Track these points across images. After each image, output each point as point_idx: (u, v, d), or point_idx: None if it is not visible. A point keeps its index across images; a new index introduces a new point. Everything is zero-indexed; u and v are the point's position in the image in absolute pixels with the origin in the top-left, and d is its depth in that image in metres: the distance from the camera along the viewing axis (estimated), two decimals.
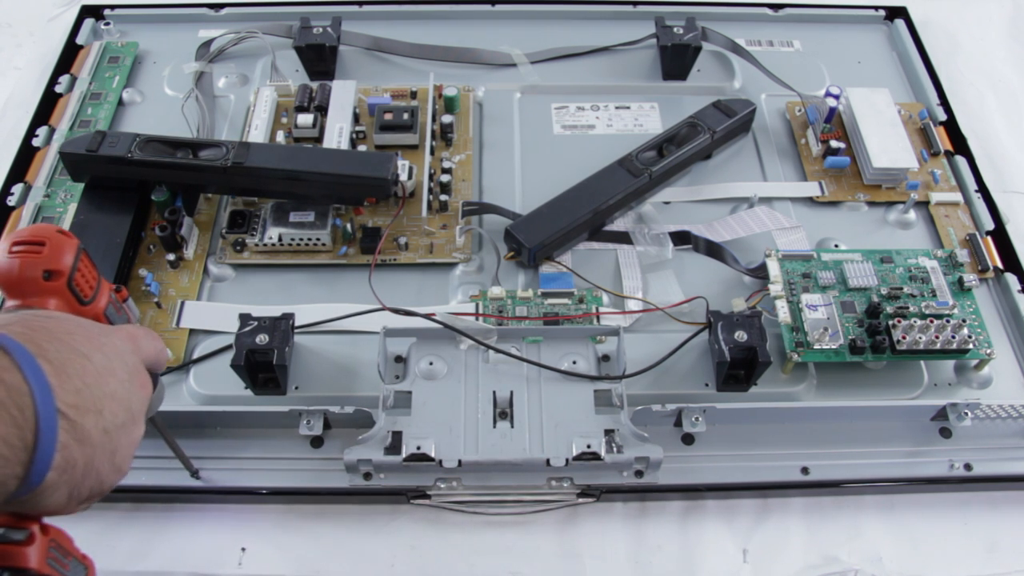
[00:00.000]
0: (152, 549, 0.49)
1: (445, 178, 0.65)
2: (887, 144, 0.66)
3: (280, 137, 0.67)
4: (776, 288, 0.56)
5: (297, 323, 0.54)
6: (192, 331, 0.57)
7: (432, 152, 0.67)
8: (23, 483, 0.29)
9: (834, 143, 0.68)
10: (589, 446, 0.48)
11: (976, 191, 0.66)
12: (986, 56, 0.84)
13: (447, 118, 0.68)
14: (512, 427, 0.50)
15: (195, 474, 0.50)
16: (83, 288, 0.38)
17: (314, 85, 0.70)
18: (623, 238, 0.63)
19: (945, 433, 0.54)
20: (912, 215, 0.65)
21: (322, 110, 0.68)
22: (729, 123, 0.66)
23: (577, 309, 0.57)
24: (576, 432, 0.49)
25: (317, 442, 0.52)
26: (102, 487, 0.33)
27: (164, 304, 0.58)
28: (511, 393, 0.51)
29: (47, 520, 0.32)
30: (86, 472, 0.31)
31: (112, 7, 0.80)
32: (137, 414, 0.35)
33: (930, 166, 0.68)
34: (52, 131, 0.69)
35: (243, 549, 0.49)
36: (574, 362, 0.53)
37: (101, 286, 0.39)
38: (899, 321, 0.53)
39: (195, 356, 0.55)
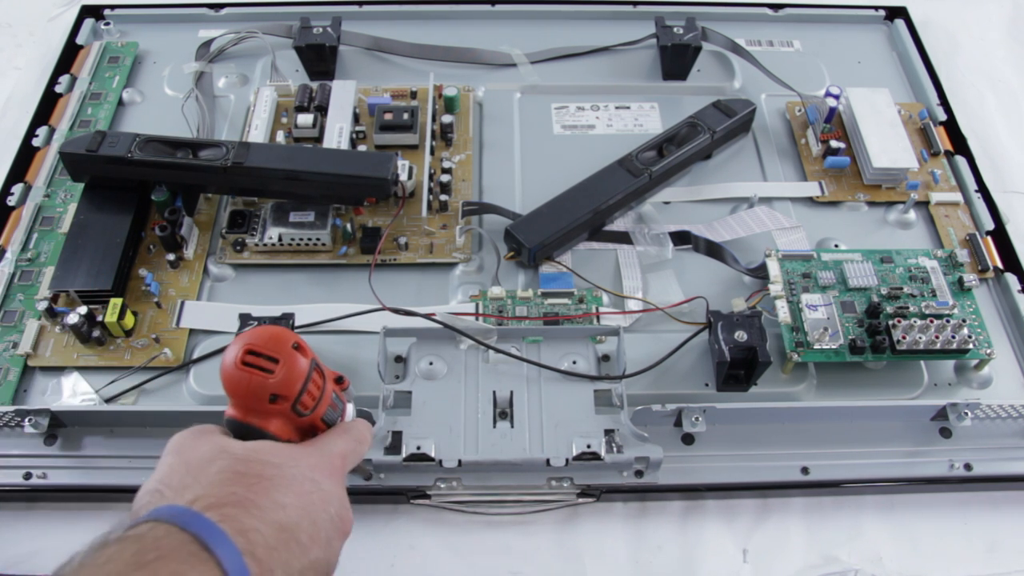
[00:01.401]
0: None
1: (445, 178, 0.65)
2: (887, 144, 0.66)
3: (280, 137, 0.67)
4: (776, 288, 0.56)
5: (297, 323, 0.54)
6: (192, 331, 0.57)
7: (432, 152, 0.67)
8: None
9: (834, 143, 0.68)
10: (589, 446, 0.48)
11: (976, 191, 0.66)
12: (986, 56, 0.84)
13: (447, 118, 0.68)
14: (512, 427, 0.50)
15: None
16: (306, 403, 0.36)
17: (314, 85, 0.70)
18: (623, 238, 0.63)
19: (945, 433, 0.54)
20: (912, 215, 0.65)
21: (322, 110, 0.68)
22: (729, 123, 0.66)
23: (577, 309, 0.57)
24: (576, 432, 0.49)
25: None
26: None
27: (164, 304, 0.58)
28: (511, 393, 0.51)
29: None
30: None
31: (112, 7, 0.80)
32: (333, 566, 0.34)
33: (930, 166, 0.68)
34: (52, 131, 0.69)
35: None
36: (574, 362, 0.53)
37: (325, 390, 0.37)
38: (899, 321, 0.53)
39: (195, 356, 0.55)
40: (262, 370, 0.34)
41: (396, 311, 0.54)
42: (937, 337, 0.52)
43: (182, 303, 0.58)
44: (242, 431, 0.35)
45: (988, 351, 0.54)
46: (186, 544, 0.28)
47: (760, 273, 0.59)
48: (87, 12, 0.79)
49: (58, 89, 0.72)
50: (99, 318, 0.54)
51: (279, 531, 0.31)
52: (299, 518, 0.32)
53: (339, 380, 0.40)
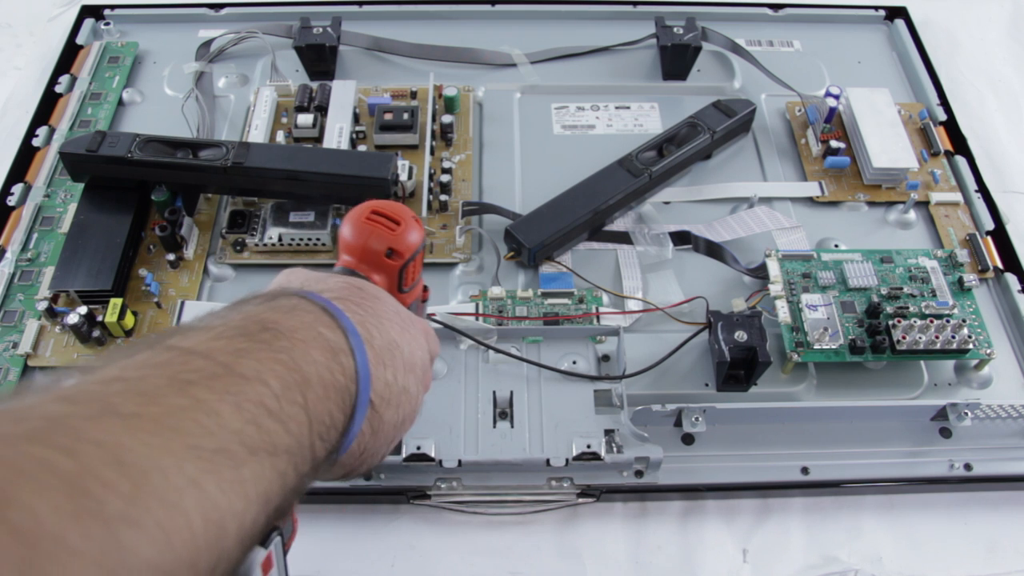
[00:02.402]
0: None
1: (445, 178, 0.65)
2: (887, 144, 0.66)
3: (280, 137, 0.67)
4: (776, 288, 0.56)
5: None
6: None
7: (432, 152, 0.67)
8: (325, 463, 0.29)
9: (834, 143, 0.68)
10: (589, 446, 0.48)
11: (976, 191, 0.66)
12: (986, 56, 0.84)
13: (447, 118, 0.68)
14: (512, 427, 0.50)
15: None
16: (408, 276, 0.38)
17: (314, 85, 0.70)
18: (623, 238, 0.63)
19: (945, 433, 0.54)
20: (912, 215, 0.65)
21: (322, 110, 0.68)
22: (729, 123, 0.66)
23: (577, 309, 0.57)
24: (576, 432, 0.49)
25: None
26: (361, 472, 0.34)
27: (164, 304, 0.58)
28: (511, 393, 0.51)
29: None
30: (363, 458, 0.32)
31: (112, 7, 0.80)
32: (415, 411, 0.35)
33: (930, 166, 0.68)
34: (52, 131, 0.69)
35: None
36: (574, 362, 0.53)
37: (418, 282, 0.40)
38: (899, 321, 0.53)
39: None
40: (385, 227, 0.37)
41: None
42: (937, 337, 0.52)
43: (182, 303, 0.58)
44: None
45: (988, 351, 0.54)
46: (315, 309, 0.30)
47: (760, 273, 0.59)
48: (87, 12, 0.79)
49: (58, 89, 0.72)
50: (99, 318, 0.54)
51: (387, 341, 0.32)
52: (400, 341, 0.33)
53: (425, 287, 0.42)
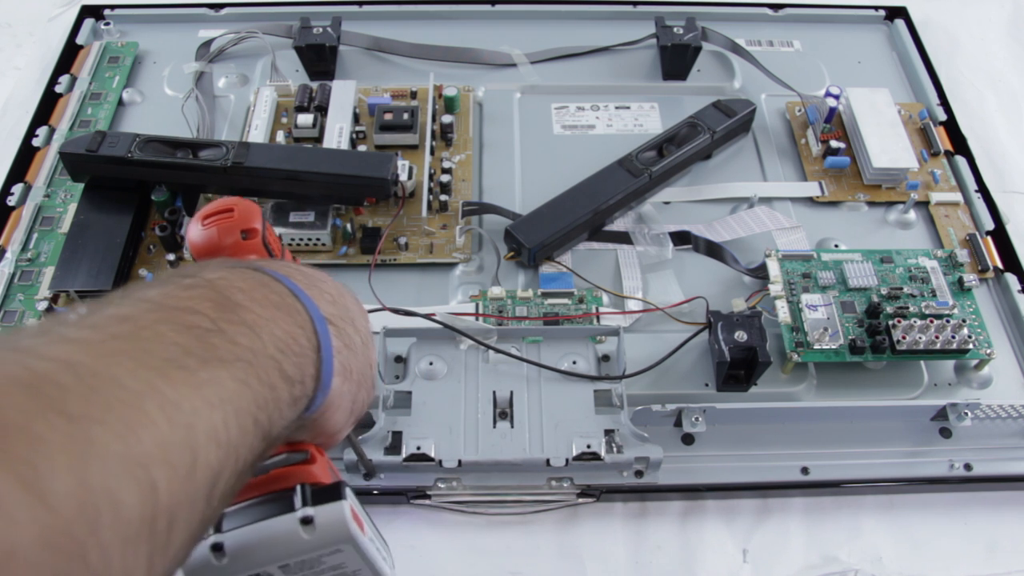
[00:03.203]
0: None
1: (445, 178, 0.65)
2: (887, 144, 0.66)
3: (280, 137, 0.67)
4: (776, 288, 0.56)
5: None
6: None
7: (432, 152, 0.67)
8: (318, 385, 0.30)
9: (834, 143, 0.68)
10: (589, 446, 0.48)
11: (976, 191, 0.66)
12: (986, 56, 0.84)
13: (447, 118, 0.68)
14: (512, 427, 0.50)
15: None
16: (274, 246, 0.39)
17: (314, 85, 0.70)
18: (623, 238, 0.63)
19: (945, 433, 0.54)
20: (912, 215, 0.65)
21: (322, 110, 0.68)
22: (729, 123, 0.66)
23: (577, 309, 0.57)
24: (576, 432, 0.49)
25: None
26: (365, 404, 0.34)
27: None
28: (511, 393, 0.51)
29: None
30: (359, 381, 0.33)
31: (112, 7, 0.80)
32: (371, 337, 0.36)
33: (930, 166, 0.68)
34: (52, 131, 0.69)
35: None
36: (574, 362, 0.53)
37: (285, 250, 0.41)
38: (899, 321, 0.53)
39: None
40: (223, 219, 0.38)
41: (396, 311, 0.54)
42: (937, 337, 0.52)
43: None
44: None
45: (988, 351, 0.54)
46: (225, 265, 0.30)
47: (760, 273, 0.59)
48: (87, 12, 0.79)
49: (58, 89, 0.72)
50: None
51: (306, 276, 0.32)
52: (317, 275, 0.33)
53: (294, 257, 0.43)
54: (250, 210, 0.39)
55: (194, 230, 0.38)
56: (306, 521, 0.30)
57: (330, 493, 0.30)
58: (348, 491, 0.31)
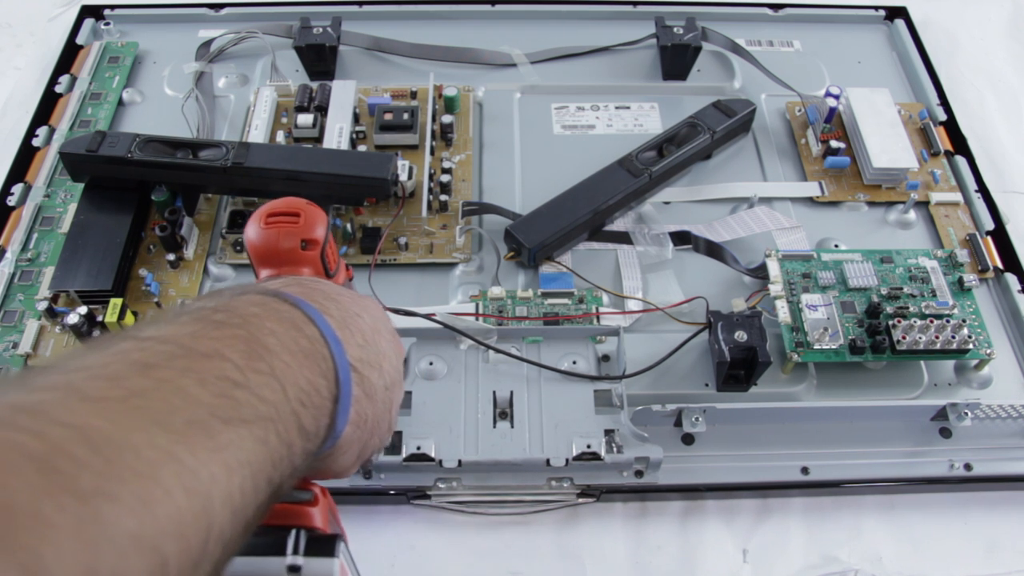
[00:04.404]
0: None
1: (445, 178, 0.65)
2: (887, 144, 0.66)
3: (280, 137, 0.67)
4: (776, 288, 0.56)
5: None
6: None
7: (432, 152, 0.67)
8: (329, 435, 0.29)
9: (834, 143, 0.68)
10: (589, 446, 0.48)
11: (976, 191, 0.66)
12: (986, 56, 0.84)
13: (447, 118, 0.68)
14: (512, 427, 0.50)
15: None
16: (330, 260, 0.38)
17: (314, 85, 0.70)
18: (623, 238, 0.63)
19: (945, 433, 0.54)
20: (912, 215, 0.65)
21: (322, 110, 0.68)
22: (729, 123, 0.66)
23: (577, 309, 0.57)
24: (576, 432, 0.49)
25: None
26: (378, 447, 0.34)
27: (164, 304, 0.58)
28: (511, 393, 0.51)
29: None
30: (372, 429, 0.32)
31: (112, 7, 0.80)
32: (400, 376, 0.35)
33: (930, 166, 0.68)
34: (52, 131, 0.69)
35: None
36: (574, 362, 0.53)
37: (341, 263, 0.40)
38: (899, 321, 0.53)
39: None
40: (287, 223, 0.36)
41: (396, 311, 0.54)
42: (937, 337, 0.52)
43: (182, 303, 0.58)
44: None
45: (988, 351, 0.54)
46: (263, 295, 0.29)
47: (760, 273, 0.59)
48: (87, 12, 0.79)
49: (58, 89, 0.72)
50: (99, 318, 0.54)
51: (343, 311, 0.32)
52: (357, 310, 0.33)
53: (348, 267, 0.42)
54: (316, 218, 0.37)
55: (254, 227, 0.36)
56: (293, 569, 0.29)
57: (324, 546, 0.29)
58: (343, 547, 0.30)
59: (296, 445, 0.26)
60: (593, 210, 0.60)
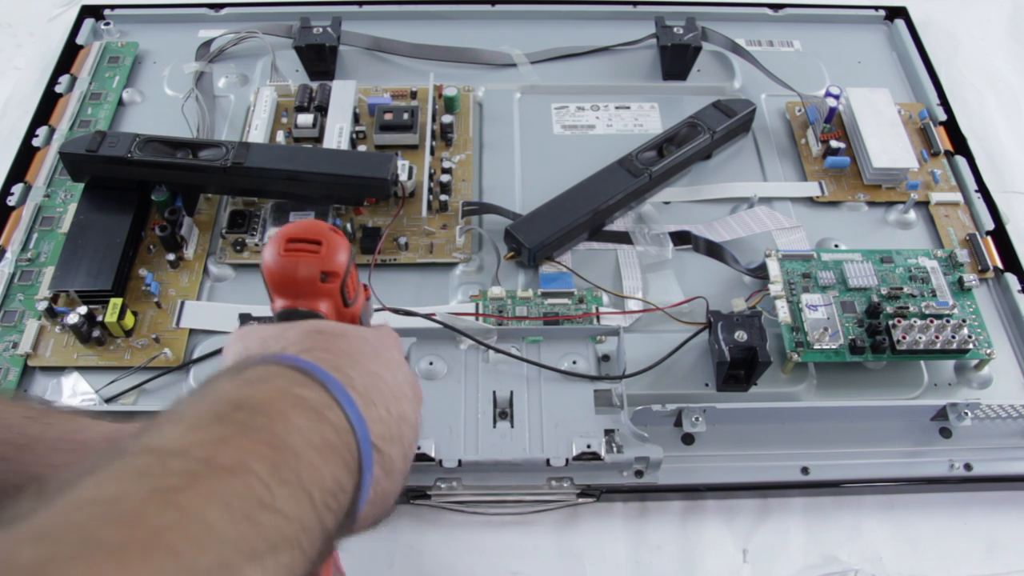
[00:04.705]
0: None
1: (445, 178, 0.65)
2: (887, 144, 0.66)
3: (280, 137, 0.67)
4: (776, 288, 0.56)
5: None
6: (192, 331, 0.57)
7: (432, 152, 0.67)
8: (347, 522, 0.28)
9: (834, 143, 0.68)
10: (589, 446, 0.48)
11: (976, 191, 0.66)
12: (986, 56, 0.84)
13: (447, 118, 0.68)
14: (512, 427, 0.50)
15: None
16: (350, 289, 0.36)
17: (314, 85, 0.70)
18: (623, 238, 0.63)
19: (945, 433, 0.54)
20: (912, 215, 0.65)
21: (322, 110, 0.68)
22: (729, 123, 0.66)
23: (577, 309, 0.57)
24: (576, 432, 0.49)
25: None
26: (390, 512, 0.32)
27: (164, 304, 0.58)
28: (511, 393, 0.51)
29: None
30: (384, 501, 0.31)
31: (112, 7, 0.80)
32: (417, 431, 0.33)
33: (930, 166, 0.68)
34: (52, 131, 0.69)
35: None
36: (574, 362, 0.53)
37: (360, 290, 0.38)
38: (899, 321, 0.53)
39: (195, 356, 0.55)
40: (308, 252, 0.34)
41: (396, 311, 0.54)
42: (937, 337, 0.52)
43: (182, 303, 0.58)
44: (293, 318, 0.34)
45: (988, 351, 0.54)
46: (287, 371, 0.28)
47: (760, 273, 0.59)
48: (87, 12, 0.79)
49: (58, 89, 0.72)
50: (99, 318, 0.54)
51: (368, 377, 0.30)
52: (380, 370, 0.31)
53: (365, 287, 0.40)
54: (338, 248, 0.34)
55: (272, 253, 0.34)
56: None
57: None
58: None
59: (319, 547, 0.26)
60: (593, 210, 0.60)
